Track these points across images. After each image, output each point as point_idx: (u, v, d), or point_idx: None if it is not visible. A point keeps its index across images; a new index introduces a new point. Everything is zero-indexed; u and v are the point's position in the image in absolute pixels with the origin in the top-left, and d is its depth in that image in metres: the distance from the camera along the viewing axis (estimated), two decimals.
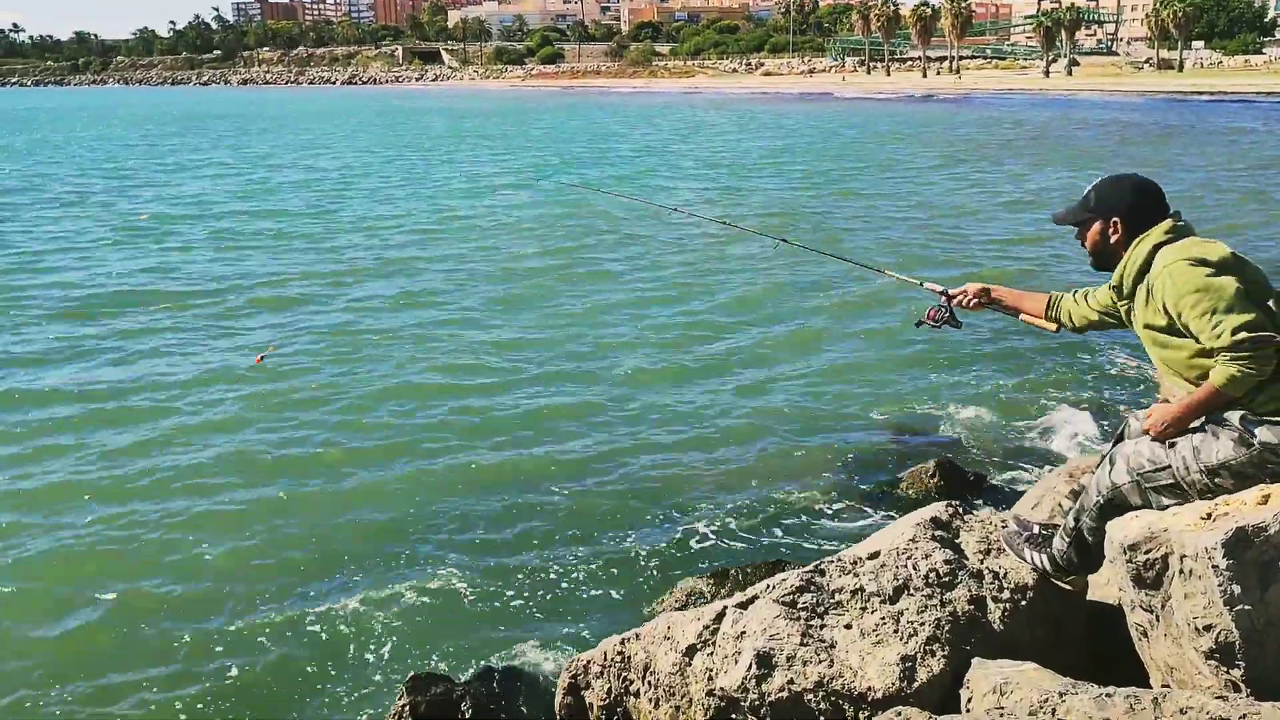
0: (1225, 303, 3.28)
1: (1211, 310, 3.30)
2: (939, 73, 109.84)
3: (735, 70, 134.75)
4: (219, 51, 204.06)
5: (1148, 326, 3.57)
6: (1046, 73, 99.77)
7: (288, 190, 27.40)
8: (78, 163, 36.93)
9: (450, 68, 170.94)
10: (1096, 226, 3.72)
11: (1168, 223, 3.57)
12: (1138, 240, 3.60)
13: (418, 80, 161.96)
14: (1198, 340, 3.38)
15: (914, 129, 48.04)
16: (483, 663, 5.47)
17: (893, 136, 44.17)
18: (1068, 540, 3.79)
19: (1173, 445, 3.51)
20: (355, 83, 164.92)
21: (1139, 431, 3.67)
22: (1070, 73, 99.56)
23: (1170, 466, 3.48)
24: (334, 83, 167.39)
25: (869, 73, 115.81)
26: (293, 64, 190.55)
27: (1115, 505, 3.61)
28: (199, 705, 5.30)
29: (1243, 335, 3.23)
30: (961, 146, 38.23)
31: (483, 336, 12.01)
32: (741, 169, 31.28)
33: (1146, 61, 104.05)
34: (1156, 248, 3.53)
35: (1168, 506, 3.47)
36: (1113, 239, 3.69)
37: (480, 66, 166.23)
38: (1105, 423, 8.86)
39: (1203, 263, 3.37)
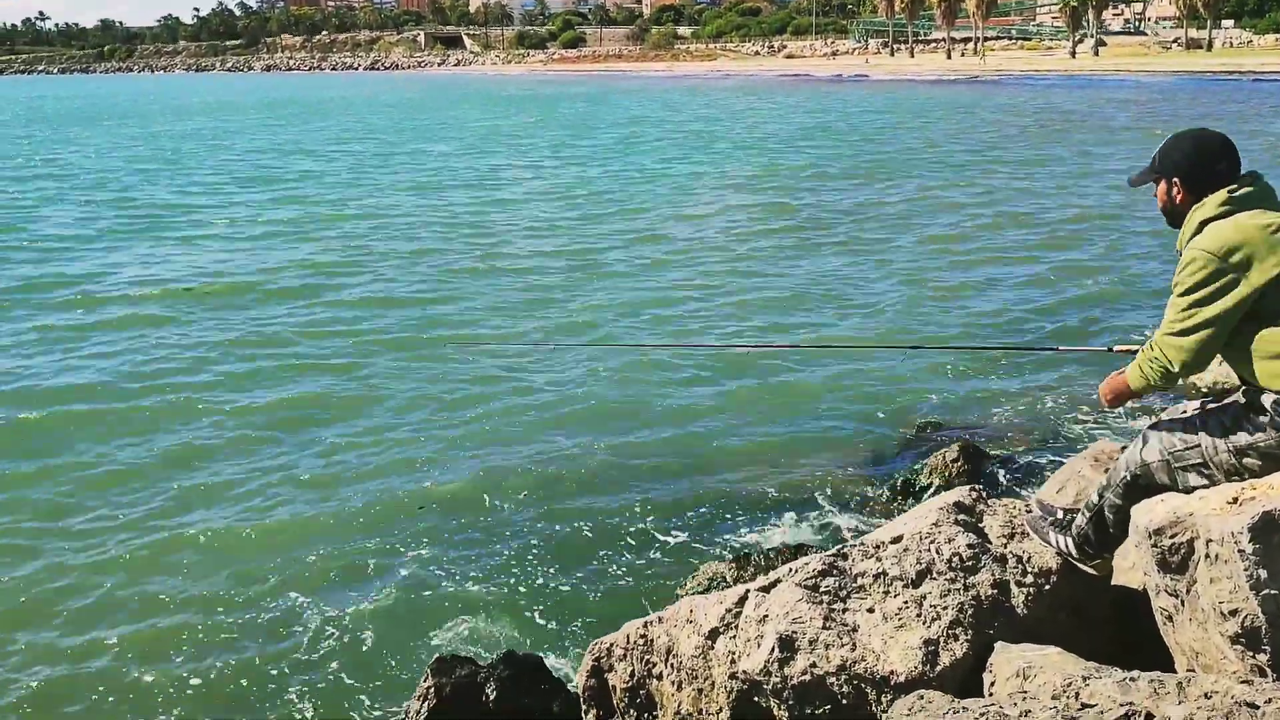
0: (1193, 320, 3.30)
1: (1180, 313, 3.32)
2: (963, 54, 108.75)
3: (758, 53, 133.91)
4: (242, 40, 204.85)
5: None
6: (1073, 53, 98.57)
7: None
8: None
9: (472, 52, 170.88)
10: (1161, 187, 3.59)
11: (1223, 194, 3.40)
12: (1196, 208, 3.46)
13: (439, 65, 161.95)
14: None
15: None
16: (507, 646, 5.51)
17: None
18: (1088, 516, 3.77)
19: (1204, 424, 3.48)
20: (378, 68, 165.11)
21: (1175, 414, 3.66)
22: (1097, 53, 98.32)
23: (1200, 445, 3.46)
24: (356, 69, 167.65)
25: (893, 55, 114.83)
26: (315, 50, 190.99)
27: (1142, 484, 3.58)
28: (224, 690, 5.37)
29: (1172, 365, 3.36)
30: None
31: (506, 322, 12.05)
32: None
33: (1175, 41, 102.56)
34: (1205, 223, 3.41)
35: (1194, 488, 3.45)
36: (1178, 199, 3.55)
37: (502, 51, 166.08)
38: (1132, 408, 8.79)
39: (1223, 258, 3.26)
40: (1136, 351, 3.99)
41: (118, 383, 10.00)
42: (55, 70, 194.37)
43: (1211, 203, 3.42)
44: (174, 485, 7.70)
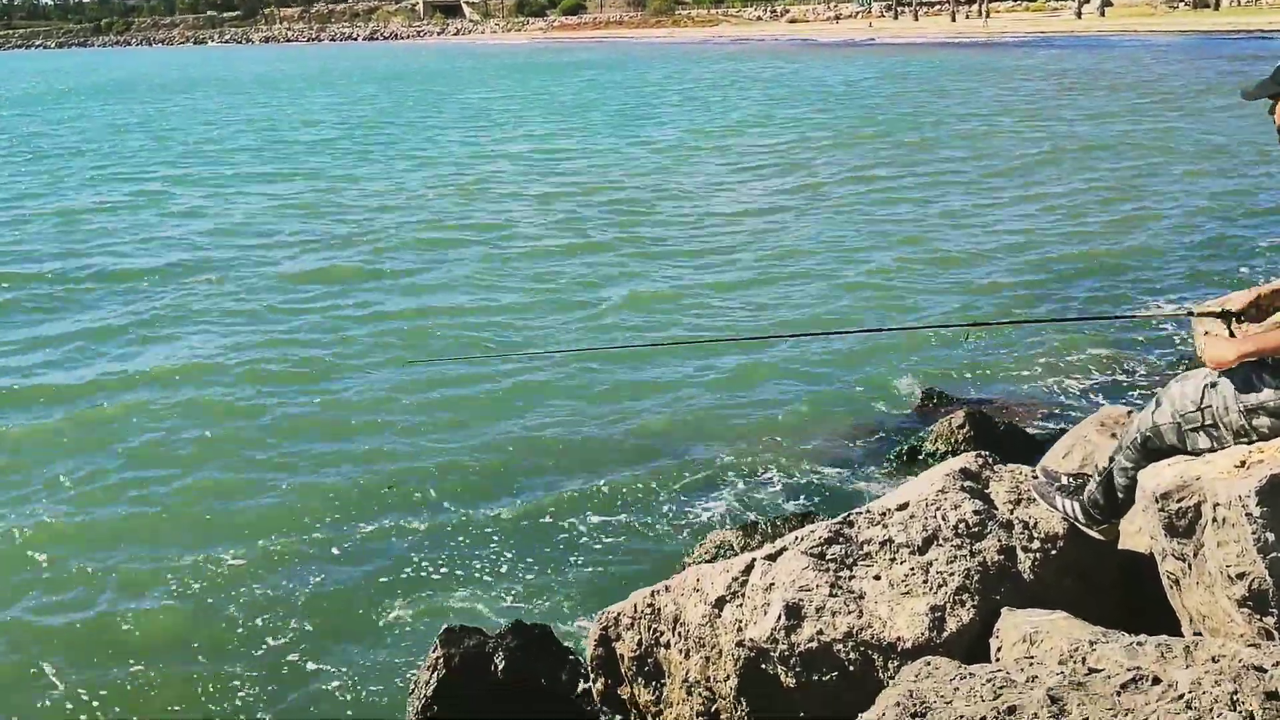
0: None
1: None
2: (968, 16, 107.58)
3: (760, 18, 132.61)
4: (239, 11, 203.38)
5: None
6: (1079, 14, 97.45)
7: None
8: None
9: (472, 20, 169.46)
10: None
11: None
12: None
13: (439, 35, 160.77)
14: None
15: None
16: (515, 616, 5.53)
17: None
18: (1099, 480, 3.76)
19: (1214, 386, 3.45)
20: (377, 38, 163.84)
21: (1188, 377, 3.61)
22: (1103, 13, 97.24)
23: (1211, 406, 3.43)
24: (355, 39, 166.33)
25: (896, 18, 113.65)
26: (314, 20, 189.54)
27: (1152, 446, 3.56)
28: (227, 665, 5.40)
29: None
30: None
31: (502, 296, 12.04)
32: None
33: (1181, 0, 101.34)
34: None
35: (1203, 450, 3.43)
36: None
37: (502, 19, 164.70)
38: (1139, 375, 8.77)
39: None
40: (1218, 313, 3.77)
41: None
42: (53, 45, 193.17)
43: None
44: (180, 458, 7.74)
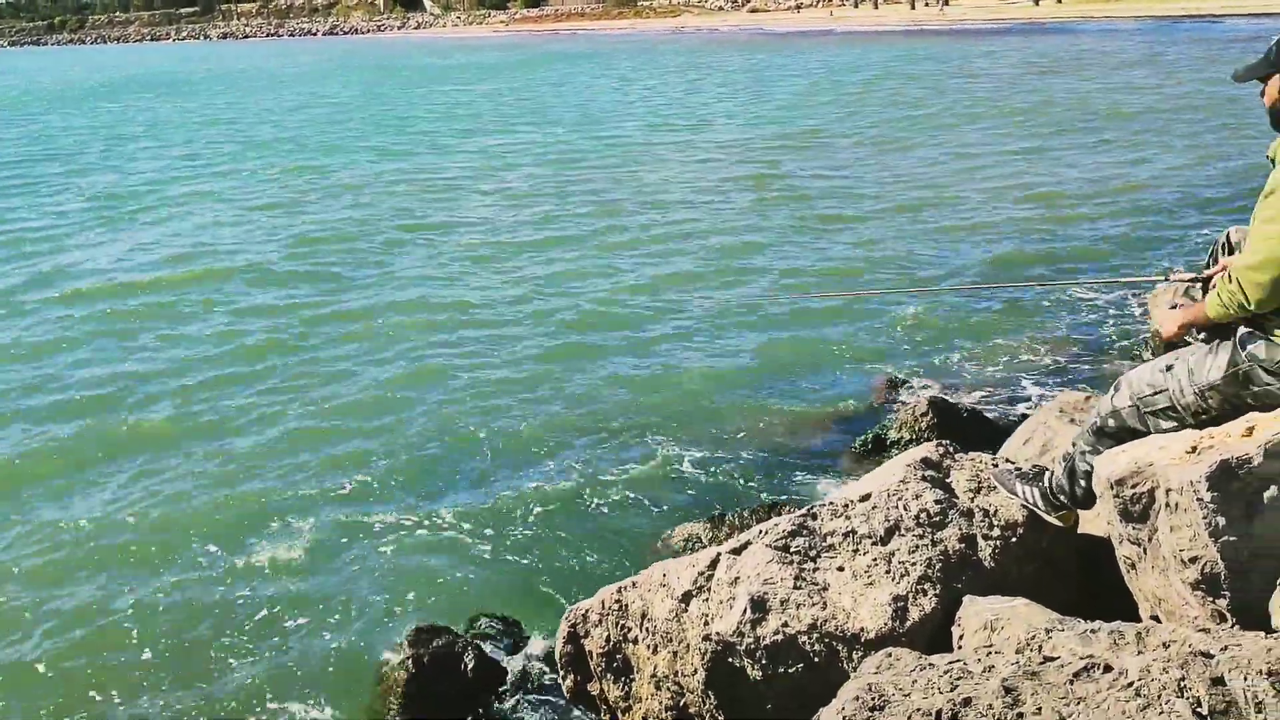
0: (1275, 251, 3.11)
1: (1262, 245, 3.14)
2: (927, 4, 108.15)
3: (721, 8, 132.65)
4: (197, 6, 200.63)
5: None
6: (1037, 1, 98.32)
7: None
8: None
9: (433, 14, 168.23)
10: (1274, 83, 3.37)
11: None
12: None
13: (399, 29, 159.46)
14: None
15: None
16: (484, 615, 5.54)
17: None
18: (1064, 466, 3.82)
19: (1169, 368, 3.52)
20: (337, 33, 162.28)
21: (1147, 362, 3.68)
22: (1060, 0, 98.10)
23: (1168, 389, 3.49)
24: (315, 34, 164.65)
25: (856, 7, 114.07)
26: (272, 16, 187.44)
27: (1112, 430, 3.62)
28: (193, 670, 5.35)
29: (1248, 291, 3.16)
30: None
31: (448, 289, 12.00)
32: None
33: None
34: None
35: (1166, 431, 3.49)
36: None
37: (463, 13, 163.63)
38: (1099, 362, 8.89)
39: None
40: (1194, 277, 3.91)
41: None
42: (5, 44, 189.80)
43: None
44: (138, 444, 7.66)
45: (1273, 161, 3.32)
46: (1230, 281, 3.25)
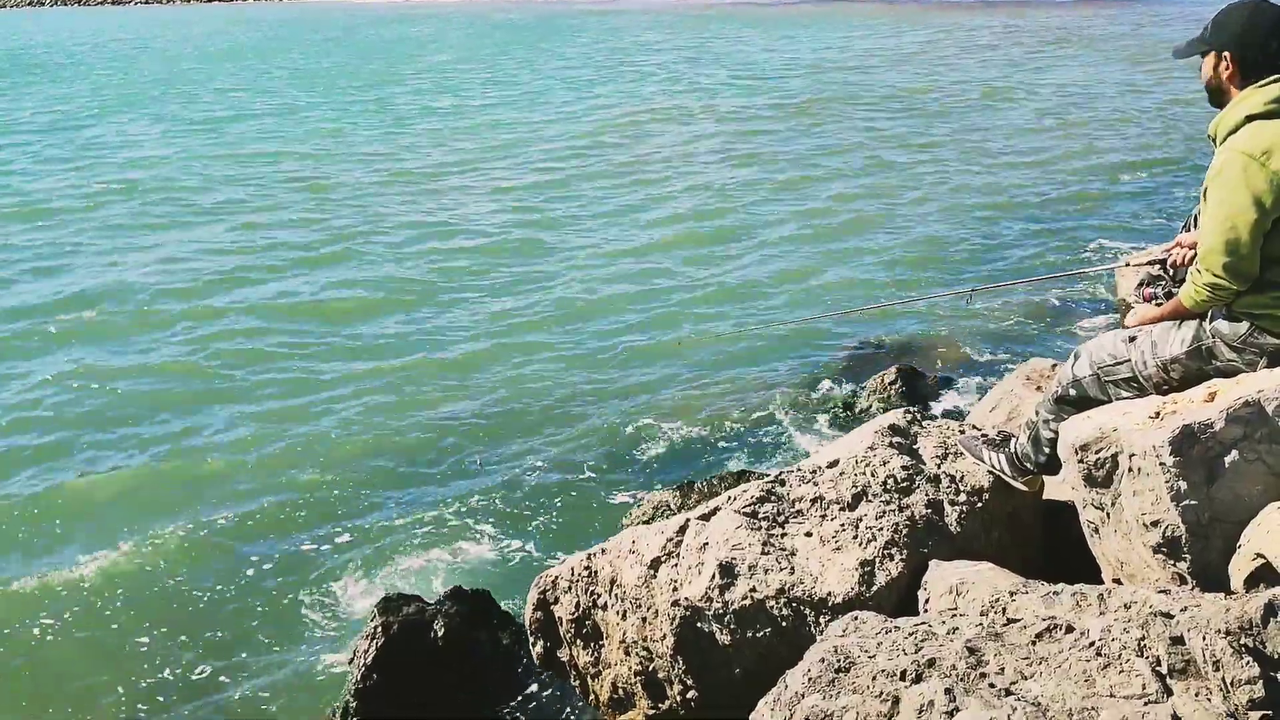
0: (1233, 232, 3.11)
1: (1218, 227, 3.14)
2: None
3: None
4: None
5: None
6: None
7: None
8: None
9: None
10: (1209, 60, 3.28)
11: (1276, 89, 3.14)
12: (1241, 98, 3.20)
13: None
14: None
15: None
16: (453, 582, 5.53)
17: None
18: (1028, 433, 3.85)
19: (1133, 340, 3.55)
20: None
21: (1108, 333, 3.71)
22: None
23: (1129, 360, 3.52)
24: None
25: None
26: None
27: (1073, 398, 3.65)
28: (164, 645, 5.33)
29: (1218, 277, 3.19)
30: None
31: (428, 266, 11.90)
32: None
33: None
34: (1250, 118, 3.13)
35: (1126, 399, 3.53)
36: (1225, 76, 3.25)
37: None
38: (1066, 329, 8.97)
39: (1262, 161, 3.08)
40: (1154, 262, 3.96)
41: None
42: None
43: (1260, 97, 3.16)
44: (129, 420, 7.57)
45: (1212, 139, 3.32)
46: (1201, 274, 3.28)
